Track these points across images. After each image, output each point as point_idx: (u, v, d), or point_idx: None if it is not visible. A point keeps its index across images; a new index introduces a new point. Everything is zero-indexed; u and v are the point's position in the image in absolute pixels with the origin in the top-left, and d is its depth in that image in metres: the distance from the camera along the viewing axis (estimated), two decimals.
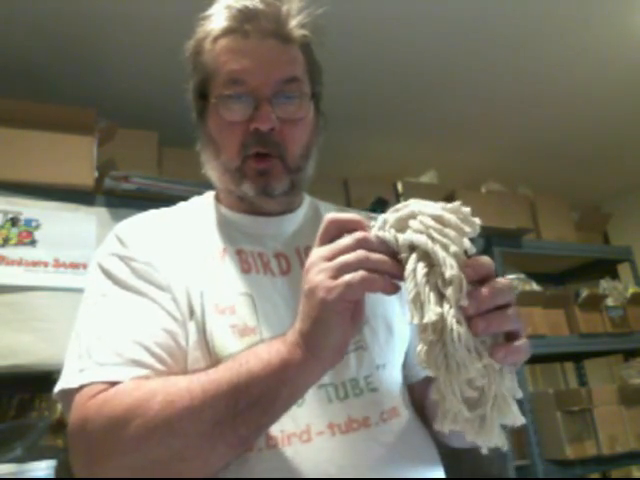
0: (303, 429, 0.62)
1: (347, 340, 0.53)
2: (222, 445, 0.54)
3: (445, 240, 0.48)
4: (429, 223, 0.49)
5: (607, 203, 3.75)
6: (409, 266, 0.49)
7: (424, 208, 0.51)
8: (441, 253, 0.47)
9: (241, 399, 0.53)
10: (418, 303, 0.48)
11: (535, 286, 2.56)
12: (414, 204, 0.52)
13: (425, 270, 0.48)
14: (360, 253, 0.50)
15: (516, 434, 2.21)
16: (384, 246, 0.51)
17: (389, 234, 0.51)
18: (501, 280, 0.50)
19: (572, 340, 2.50)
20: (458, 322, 0.46)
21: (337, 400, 0.65)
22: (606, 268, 3.01)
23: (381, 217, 0.53)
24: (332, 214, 0.54)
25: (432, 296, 0.47)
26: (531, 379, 3.49)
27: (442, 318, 0.47)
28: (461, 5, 1.97)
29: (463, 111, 2.66)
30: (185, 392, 0.54)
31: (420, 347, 0.49)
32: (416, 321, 0.48)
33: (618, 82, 2.54)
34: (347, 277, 0.49)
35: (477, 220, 0.50)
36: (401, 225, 0.51)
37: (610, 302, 2.66)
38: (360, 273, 0.49)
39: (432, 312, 0.47)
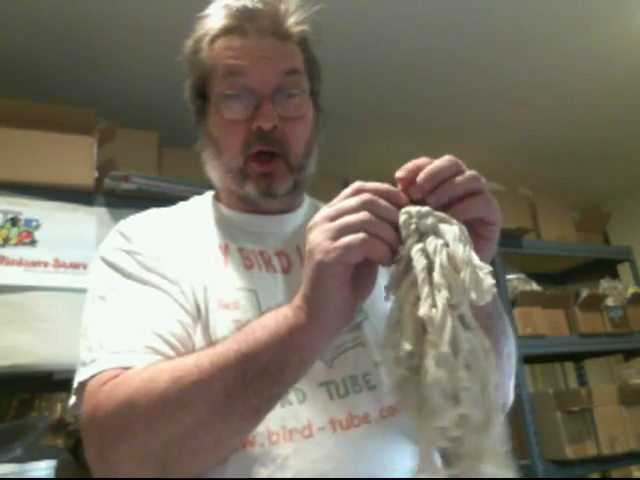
0: (305, 424, 0.62)
1: (348, 305, 0.50)
2: (235, 418, 0.53)
3: (441, 281, 0.44)
4: (443, 259, 0.45)
5: (607, 203, 3.75)
6: (400, 291, 0.46)
7: (448, 233, 0.47)
8: (426, 290, 0.44)
9: (250, 368, 0.52)
10: (398, 333, 0.45)
11: (535, 286, 2.56)
12: (447, 226, 0.47)
13: (413, 301, 0.45)
14: (364, 215, 0.48)
15: (516, 434, 2.21)
16: (392, 214, 0.49)
17: (406, 227, 0.48)
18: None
19: (572, 340, 2.50)
20: (437, 364, 0.43)
21: (338, 397, 0.65)
22: (606, 268, 3.02)
23: (416, 209, 0.49)
24: (359, 182, 0.51)
25: (410, 328, 0.45)
26: (531, 379, 3.49)
27: (419, 356, 0.44)
28: (462, 6, 1.97)
29: (463, 111, 2.66)
30: (193, 367, 0.53)
31: (392, 379, 0.46)
32: (390, 353, 0.46)
33: (618, 82, 2.54)
34: (346, 239, 0.47)
35: (489, 281, 0.45)
36: (423, 226, 0.48)
37: (610, 302, 2.66)
38: (360, 235, 0.47)
39: (406, 344, 0.44)
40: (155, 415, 0.53)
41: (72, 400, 0.64)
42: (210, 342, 0.59)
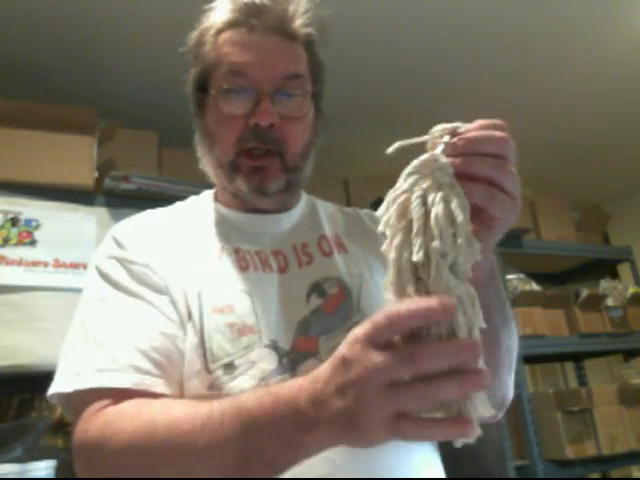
0: None
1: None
2: None
3: (435, 231, 0.45)
4: (439, 211, 0.45)
5: (607, 203, 3.75)
6: (395, 238, 0.47)
7: (456, 199, 0.46)
8: (420, 239, 0.45)
9: (249, 458, 0.50)
10: (399, 278, 0.46)
11: (535, 286, 2.55)
12: (456, 196, 0.46)
13: (407, 245, 0.46)
14: (421, 391, 0.42)
15: (516, 434, 2.22)
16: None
17: (424, 166, 0.47)
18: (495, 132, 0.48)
19: (572, 340, 2.50)
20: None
21: None
22: (606, 268, 3.02)
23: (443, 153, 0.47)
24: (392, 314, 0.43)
25: (408, 273, 0.46)
26: (531, 379, 3.49)
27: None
28: (461, 6, 1.97)
29: (463, 111, 2.65)
30: (190, 437, 0.52)
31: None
32: (391, 297, 0.46)
33: (618, 82, 2.54)
34: (399, 426, 0.42)
35: (478, 256, 0.46)
36: (438, 178, 0.46)
37: (610, 302, 2.66)
38: (416, 426, 0.43)
39: (410, 289, 0.45)
40: (147, 473, 0.53)
41: (50, 393, 0.64)
42: (207, 402, 0.55)
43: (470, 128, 0.48)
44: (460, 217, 0.45)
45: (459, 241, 0.44)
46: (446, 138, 0.48)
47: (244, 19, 0.71)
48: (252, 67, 0.70)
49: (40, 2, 1.77)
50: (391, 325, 0.43)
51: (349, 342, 0.45)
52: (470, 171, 0.47)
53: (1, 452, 1.32)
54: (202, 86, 0.75)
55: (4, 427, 1.43)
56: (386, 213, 0.47)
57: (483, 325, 0.46)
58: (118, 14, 1.86)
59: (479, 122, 0.49)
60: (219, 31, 0.73)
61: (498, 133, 0.48)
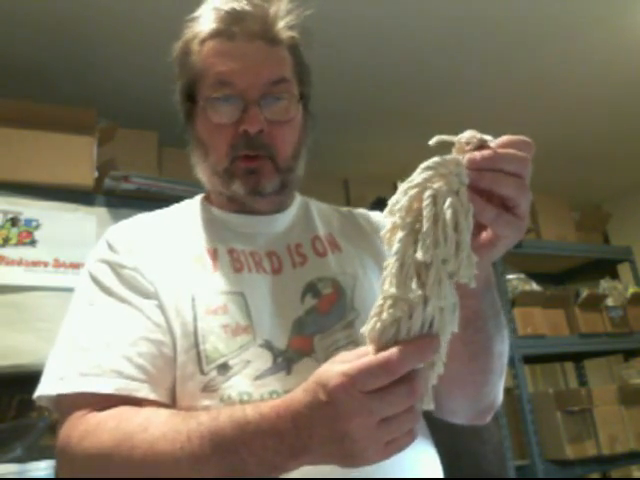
0: None
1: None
2: None
3: (440, 238, 0.45)
4: (448, 217, 0.45)
5: (607, 203, 3.75)
6: (403, 232, 0.47)
7: (462, 207, 0.47)
8: (428, 240, 0.45)
9: (237, 473, 0.51)
10: (403, 275, 0.47)
11: (535, 286, 2.56)
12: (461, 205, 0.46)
13: (413, 243, 0.47)
14: (409, 419, 0.47)
15: (516, 434, 2.22)
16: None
17: (443, 166, 0.47)
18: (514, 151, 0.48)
19: (572, 340, 2.50)
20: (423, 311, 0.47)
21: None
22: (606, 268, 3.02)
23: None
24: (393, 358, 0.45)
25: (412, 272, 0.46)
26: (531, 379, 3.49)
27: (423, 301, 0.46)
28: (461, 6, 1.97)
29: (463, 111, 2.66)
30: (171, 459, 0.53)
31: (380, 321, 0.47)
32: (397, 293, 0.46)
33: (618, 82, 2.54)
34: (395, 446, 0.48)
35: (473, 270, 0.47)
36: (451, 181, 0.47)
37: (610, 302, 2.66)
38: (408, 439, 0.48)
39: (418, 289, 0.45)
40: None
41: (36, 396, 0.66)
42: (184, 422, 0.55)
43: (498, 143, 0.49)
44: (465, 230, 0.46)
45: (462, 253, 0.45)
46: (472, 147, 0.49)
47: (226, 28, 0.72)
48: (237, 75, 0.71)
49: (40, 2, 1.77)
50: (386, 373, 0.45)
51: (336, 380, 0.46)
52: (492, 188, 0.48)
53: (1, 452, 1.32)
54: (190, 95, 0.75)
55: (4, 427, 1.43)
56: (397, 203, 0.48)
57: (456, 330, 0.48)
58: (118, 14, 1.86)
59: (506, 138, 0.50)
60: (202, 41, 0.73)
61: (520, 153, 0.49)
